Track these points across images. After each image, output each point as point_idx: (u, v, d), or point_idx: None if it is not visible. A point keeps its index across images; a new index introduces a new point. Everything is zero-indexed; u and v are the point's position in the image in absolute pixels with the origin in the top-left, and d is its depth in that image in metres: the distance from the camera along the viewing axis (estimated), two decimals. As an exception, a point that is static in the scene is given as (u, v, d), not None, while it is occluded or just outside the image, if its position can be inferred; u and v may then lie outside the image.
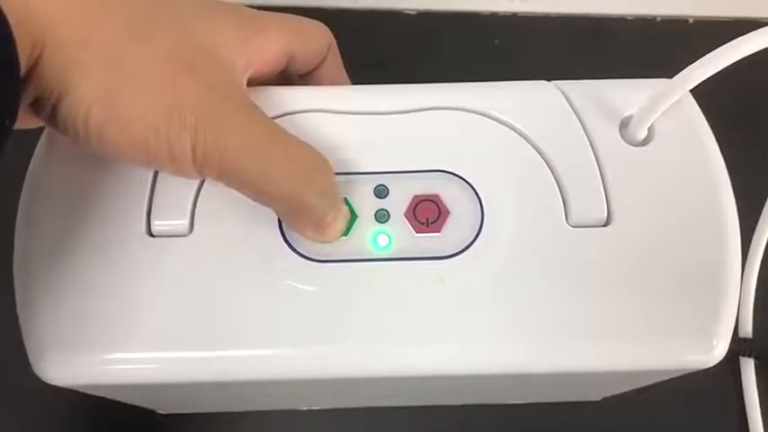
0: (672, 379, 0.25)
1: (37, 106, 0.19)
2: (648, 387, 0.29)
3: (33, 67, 0.18)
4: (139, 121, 0.19)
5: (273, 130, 0.21)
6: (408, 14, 0.41)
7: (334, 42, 0.26)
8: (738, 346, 0.35)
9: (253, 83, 0.23)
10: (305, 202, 0.21)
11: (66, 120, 0.19)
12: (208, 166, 0.19)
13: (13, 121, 0.17)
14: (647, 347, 0.22)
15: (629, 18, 0.41)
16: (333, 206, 0.22)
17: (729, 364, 0.35)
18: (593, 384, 0.29)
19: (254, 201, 0.21)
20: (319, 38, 0.25)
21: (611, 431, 0.35)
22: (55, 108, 0.19)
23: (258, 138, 0.20)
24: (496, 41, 0.41)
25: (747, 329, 0.36)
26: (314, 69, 0.26)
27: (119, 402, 0.29)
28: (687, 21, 0.41)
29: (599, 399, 0.34)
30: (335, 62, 0.26)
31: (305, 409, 0.35)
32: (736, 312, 0.22)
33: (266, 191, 0.20)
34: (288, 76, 0.26)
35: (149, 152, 0.19)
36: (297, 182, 0.21)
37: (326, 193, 0.21)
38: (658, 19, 0.41)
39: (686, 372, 0.23)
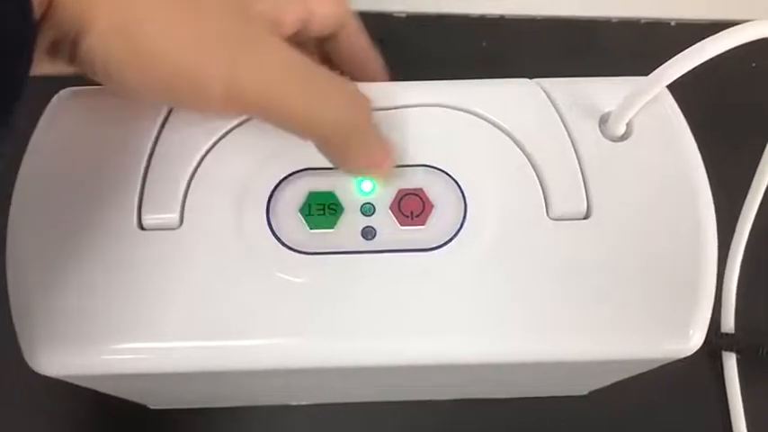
0: (657, 374, 0.26)
1: (55, 50, 0.18)
2: (634, 382, 0.29)
3: (47, 10, 0.17)
4: (161, 56, 0.18)
5: (308, 60, 0.20)
6: (398, 17, 0.42)
7: (350, 11, 0.25)
8: (721, 341, 0.36)
9: None
10: (351, 126, 0.20)
11: (86, 60, 0.18)
12: (236, 101, 0.18)
13: (28, 67, 0.17)
14: (625, 337, 0.23)
15: (614, 21, 0.42)
16: (378, 135, 0.21)
17: (712, 359, 0.36)
18: (577, 376, 0.30)
19: (293, 133, 0.20)
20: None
21: (598, 425, 0.36)
22: (73, 50, 0.18)
23: (296, 65, 0.19)
24: (484, 43, 0.41)
25: (730, 325, 0.36)
26: (334, 36, 0.25)
27: (109, 397, 0.29)
28: (669, 23, 0.42)
29: (585, 393, 0.35)
30: (356, 29, 0.26)
31: (294, 404, 0.35)
32: (712, 302, 0.23)
33: (308, 119, 0.20)
34: (305, 45, 0.24)
35: (173, 88, 0.18)
36: (340, 107, 0.20)
37: (371, 120, 0.20)
38: (642, 21, 0.42)
39: (665, 361, 0.24)
